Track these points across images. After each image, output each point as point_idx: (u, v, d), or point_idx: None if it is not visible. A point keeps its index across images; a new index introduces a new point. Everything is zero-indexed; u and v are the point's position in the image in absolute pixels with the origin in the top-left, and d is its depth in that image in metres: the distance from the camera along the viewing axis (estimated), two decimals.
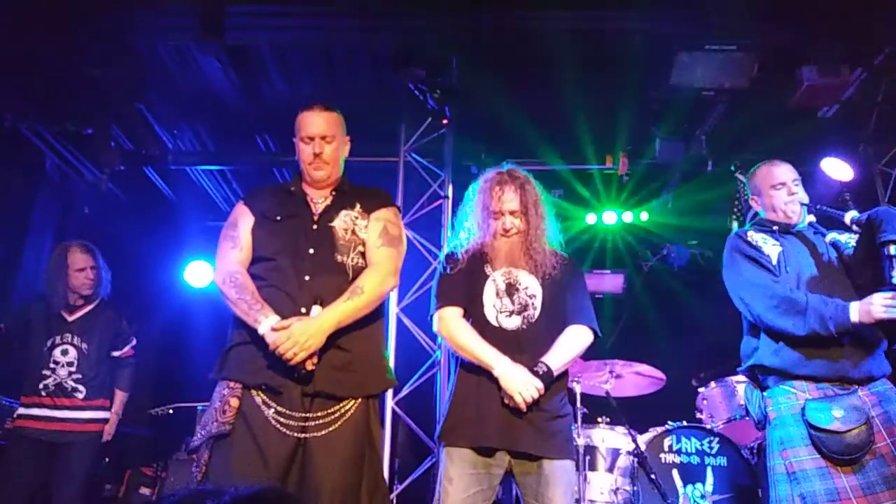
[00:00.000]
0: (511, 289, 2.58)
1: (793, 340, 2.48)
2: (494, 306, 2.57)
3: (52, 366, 3.75)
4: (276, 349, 2.18)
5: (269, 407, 2.22)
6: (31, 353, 3.81)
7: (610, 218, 6.61)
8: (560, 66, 4.68)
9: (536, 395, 2.38)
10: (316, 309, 2.28)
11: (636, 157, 5.82)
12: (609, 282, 6.66)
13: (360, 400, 2.32)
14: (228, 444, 2.19)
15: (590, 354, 3.58)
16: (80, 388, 3.78)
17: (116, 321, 4.00)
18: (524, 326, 2.54)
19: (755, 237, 2.71)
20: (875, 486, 2.27)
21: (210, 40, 4.41)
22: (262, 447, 2.17)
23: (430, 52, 4.78)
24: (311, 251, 2.38)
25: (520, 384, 2.37)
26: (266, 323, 2.22)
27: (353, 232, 2.44)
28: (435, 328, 2.65)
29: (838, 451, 2.31)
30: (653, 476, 3.86)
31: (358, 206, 2.50)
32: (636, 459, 3.95)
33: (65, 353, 3.79)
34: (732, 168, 5.31)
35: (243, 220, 2.49)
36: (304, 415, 2.22)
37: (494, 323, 2.55)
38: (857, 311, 2.36)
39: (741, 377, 4.23)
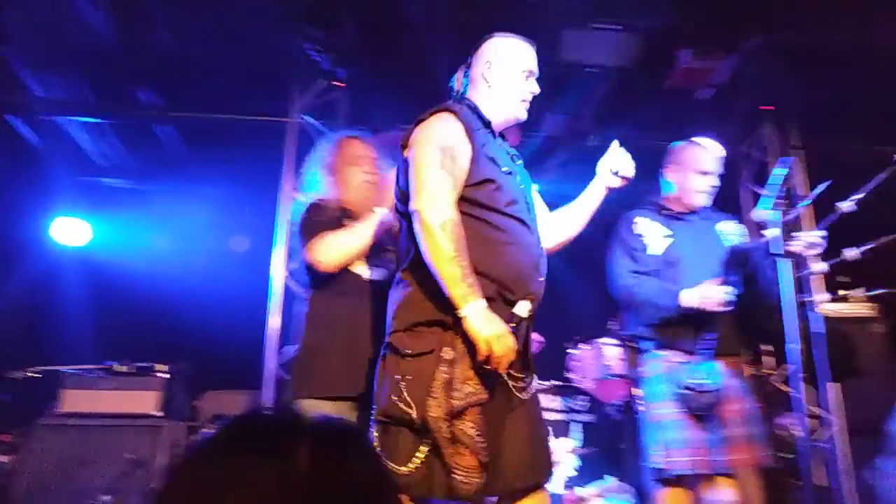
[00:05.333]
0: None
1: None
2: None
3: None
4: (498, 358, 1.83)
5: None
6: None
7: None
8: (449, 33, 4.67)
9: None
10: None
11: (526, 130, 5.95)
12: None
13: None
14: None
15: None
16: None
17: None
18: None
19: (643, 225, 2.95)
20: (716, 442, 2.63)
21: None
22: None
23: (326, 12, 4.67)
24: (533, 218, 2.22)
25: None
26: (476, 304, 1.83)
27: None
28: None
29: (694, 407, 2.64)
30: None
31: None
32: None
33: None
34: None
35: (463, 151, 2.02)
36: None
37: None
38: (686, 296, 2.71)
39: (608, 339, 4.52)
